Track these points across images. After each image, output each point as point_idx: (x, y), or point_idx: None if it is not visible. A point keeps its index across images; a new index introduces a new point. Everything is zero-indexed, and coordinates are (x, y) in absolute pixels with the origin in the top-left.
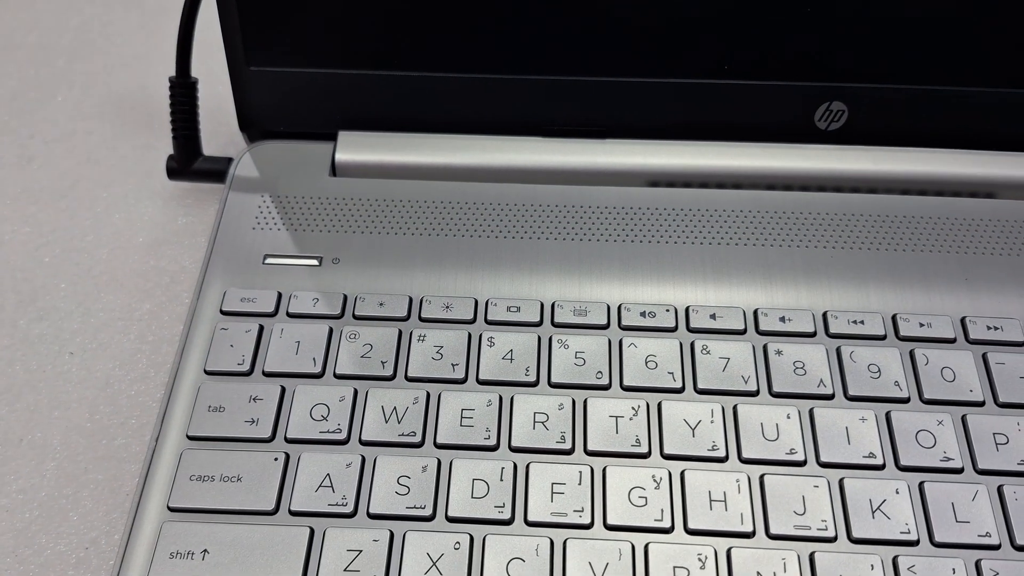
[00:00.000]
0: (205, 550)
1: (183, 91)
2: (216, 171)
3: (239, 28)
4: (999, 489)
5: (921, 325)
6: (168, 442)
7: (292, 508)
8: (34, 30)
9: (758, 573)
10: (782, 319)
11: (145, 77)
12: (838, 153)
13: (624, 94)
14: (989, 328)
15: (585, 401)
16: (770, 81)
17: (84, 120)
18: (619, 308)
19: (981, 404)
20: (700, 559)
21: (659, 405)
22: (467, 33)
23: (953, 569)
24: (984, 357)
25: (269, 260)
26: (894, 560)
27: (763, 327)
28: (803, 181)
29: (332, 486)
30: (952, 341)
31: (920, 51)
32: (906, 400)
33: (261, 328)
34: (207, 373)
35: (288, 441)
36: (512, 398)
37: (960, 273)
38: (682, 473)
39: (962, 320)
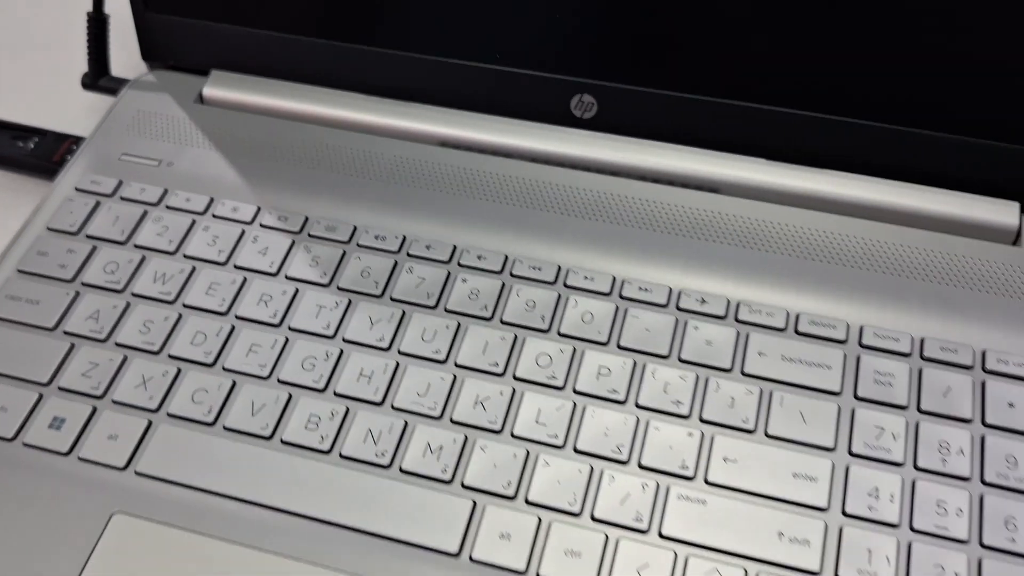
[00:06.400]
0: None
1: (97, 24)
2: (115, 88)
3: None
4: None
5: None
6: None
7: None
8: None
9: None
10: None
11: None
12: (586, 137)
13: (419, 68)
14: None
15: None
16: (532, 71)
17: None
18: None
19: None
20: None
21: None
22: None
23: None
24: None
25: (124, 157)
26: None
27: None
28: (558, 159)
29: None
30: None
31: (657, 57)
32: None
33: (98, 203)
34: (49, 230)
35: (84, 284)
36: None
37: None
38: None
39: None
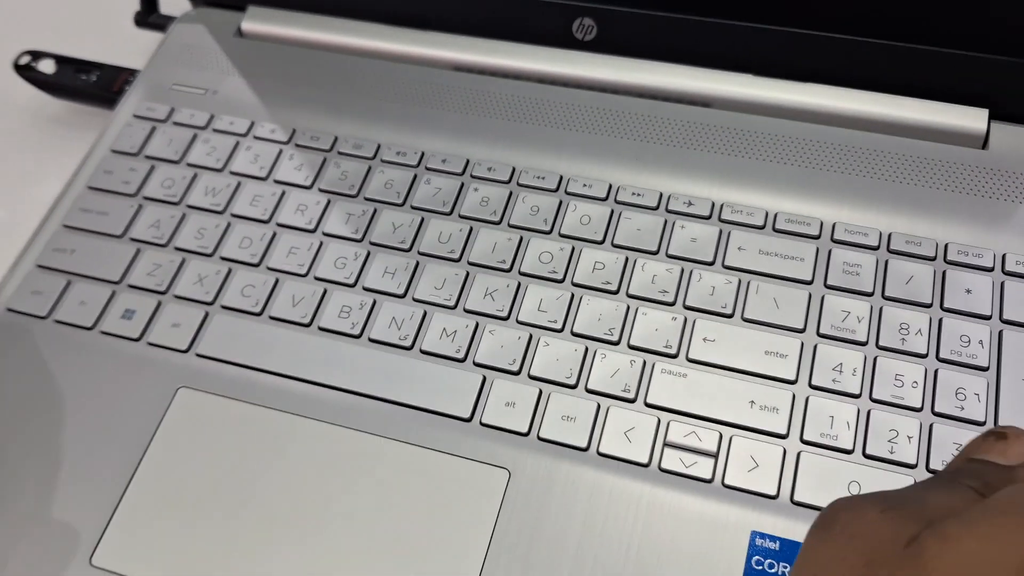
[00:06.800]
0: None
1: None
2: (163, 25)
3: None
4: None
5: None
6: (72, 193)
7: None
8: None
9: None
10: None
11: None
12: (586, 58)
13: None
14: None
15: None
16: None
17: None
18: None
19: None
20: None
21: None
22: None
23: None
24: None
25: (174, 86)
26: None
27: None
28: (562, 79)
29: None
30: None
31: None
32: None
33: (154, 128)
34: (112, 151)
35: (146, 198)
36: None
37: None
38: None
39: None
